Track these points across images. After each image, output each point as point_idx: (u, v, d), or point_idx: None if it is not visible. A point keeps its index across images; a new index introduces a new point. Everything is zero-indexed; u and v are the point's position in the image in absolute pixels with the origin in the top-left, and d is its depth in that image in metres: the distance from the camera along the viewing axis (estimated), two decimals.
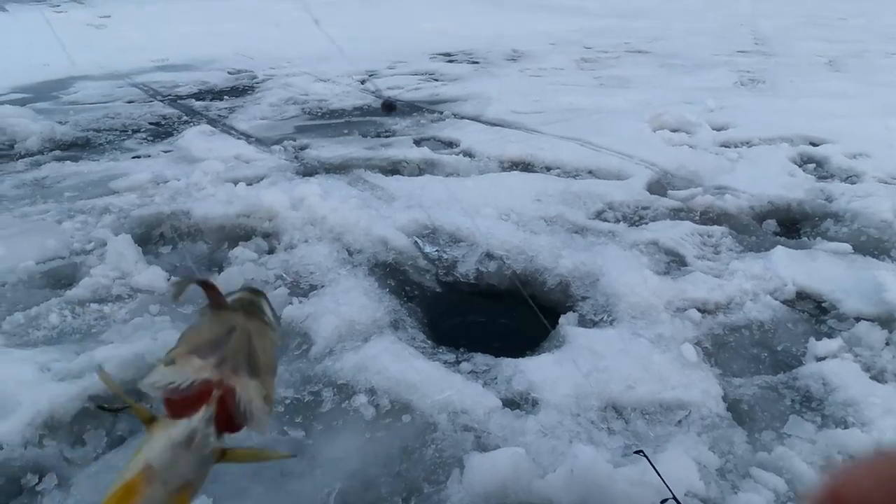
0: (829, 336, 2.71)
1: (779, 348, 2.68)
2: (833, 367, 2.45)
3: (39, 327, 2.82)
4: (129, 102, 7.19)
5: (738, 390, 2.40)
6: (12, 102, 6.75)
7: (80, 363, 2.46)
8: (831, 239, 3.59)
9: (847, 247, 3.42)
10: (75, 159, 5.10)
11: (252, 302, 0.55)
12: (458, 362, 2.55)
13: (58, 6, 14.48)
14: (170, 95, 7.52)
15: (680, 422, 2.24)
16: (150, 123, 6.31)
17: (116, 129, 6.09)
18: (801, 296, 3.05)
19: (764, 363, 2.59)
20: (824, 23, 13.28)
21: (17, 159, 5.15)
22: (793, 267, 3.19)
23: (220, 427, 0.49)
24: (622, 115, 5.96)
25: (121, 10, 13.38)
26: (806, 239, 3.69)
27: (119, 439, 2.23)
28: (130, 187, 4.34)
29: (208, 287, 0.52)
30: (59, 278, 3.26)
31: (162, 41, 10.69)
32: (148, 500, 0.45)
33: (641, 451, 1.89)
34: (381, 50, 10.05)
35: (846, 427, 2.17)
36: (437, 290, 3.20)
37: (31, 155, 5.27)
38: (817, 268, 3.22)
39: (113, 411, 2.37)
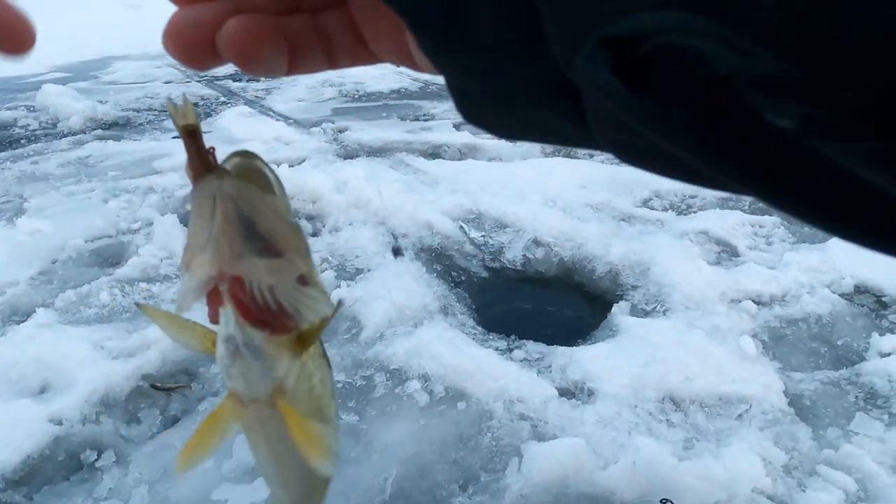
0: (892, 331, 2.63)
1: (839, 343, 2.60)
2: None
3: (91, 305, 2.84)
4: (167, 83, 7.23)
5: (799, 385, 2.34)
6: (54, 81, 6.82)
7: (133, 342, 2.48)
8: None
9: None
10: (117, 138, 5.14)
11: (237, 164, 0.40)
12: (510, 349, 2.52)
13: None
14: (207, 76, 7.54)
15: (741, 416, 2.18)
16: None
17: (156, 109, 6.13)
18: (860, 289, 2.96)
19: (824, 358, 2.52)
20: None
21: (61, 138, 5.21)
22: (850, 259, 3.09)
23: (257, 322, 0.39)
24: None
25: None
26: None
27: (173, 419, 2.24)
28: (173, 167, 4.36)
29: (189, 135, 0.38)
30: (108, 257, 3.28)
31: None
32: (240, 418, 0.42)
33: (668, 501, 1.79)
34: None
35: None
36: (485, 275, 3.16)
37: (74, 134, 5.32)
38: (875, 261, 3.11)
39: (165, 390, 2.39)
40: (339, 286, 2.89)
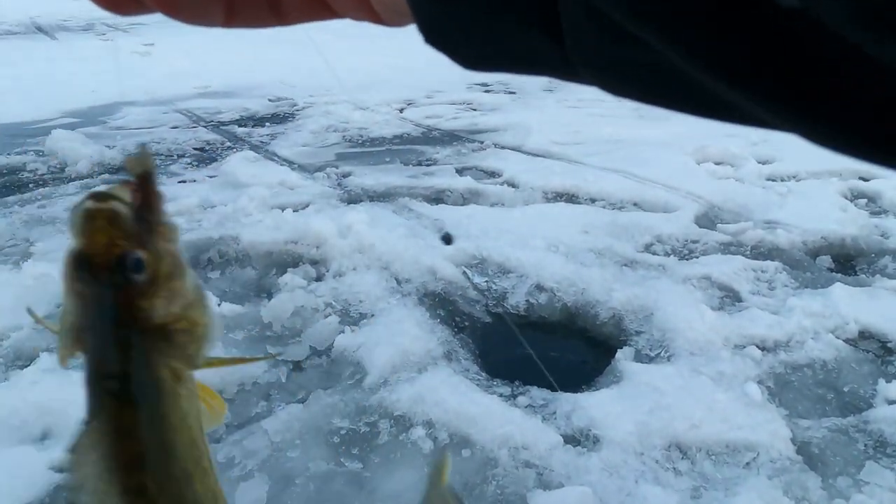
0: None
1: (845, 389, 2.59)
2: None
3: None
4: (174, 128, 7.34)
5: (806, 432, 2.32)
6: (62, 127, 6.92)
7: None
8: (891, 276, 3.49)
9: None
10: (124, 183, 5.19)
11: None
12: (514, 396, 2.50)
13: (104, 34, 14.94)
14: (213, 121, 7.66)
15: (748, 464, 2.16)
16: (195, 149, 6.42)
17: (162, 154, 6.21)
18: (864, 335, 2.95)
19: (831, 405, 2.50)
20: None
21: (69, 182, 5.27)
22: (853, 305, 3.10)
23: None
24: (664, 147, 5.92)
25: (164, 38, 13.75)
26: (864, 276, 3.59)
27: None
28: (178, 212, 4.40)
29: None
30: None
31: (204, 68, 10.95)
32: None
33: None
34: (418, 79, 10.17)
35: None
36: (488, 320, 3.16)
37: (82, 178, 5.38)
38: (879, 306, 3.12)
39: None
40: (342, 332, 2.89)
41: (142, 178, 0.42)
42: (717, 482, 2.08)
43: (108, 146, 6.27)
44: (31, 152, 6.17)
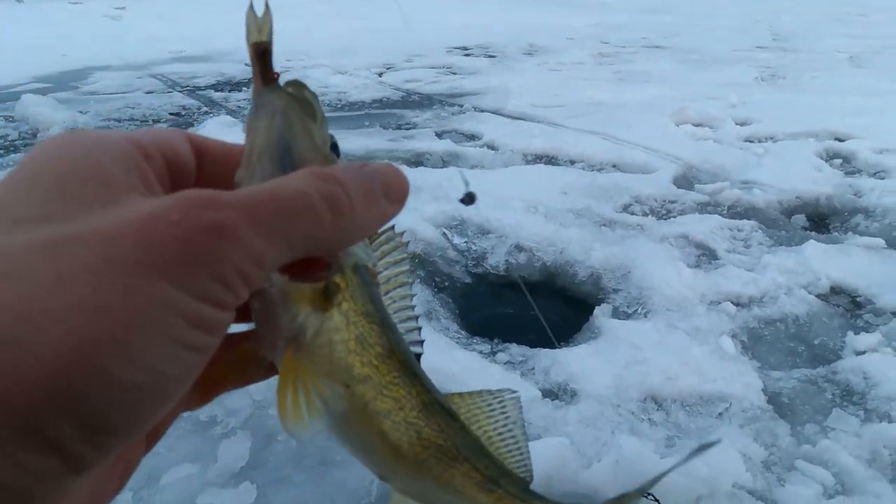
0: (867, 331, 2.69)
1: (816, 342, 2.66)
2: (873, 361, 2.43)
3: None
4: (149, 93, 7.20)
5: (777, 383, 2.38)
6: (34, 92, 6.77)
7: None
8: (863, 234, 3.56)
9: (880, 241, 3.39)
10: None
11: (292, 88, 0.41)
12: (493, 353, 2.54)
13: None
14: (188, 86, 7.53)
15: (721, 414, 2.22)
16: (171, 114, 6.32)
17: (137, 119, 6.11)
18: (836, 290, 3.02)
19: (802, 357, 2.57)
20: (846, 18, 13.16)
21: None
22: (825, 261, 3.16)
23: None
24: (644, 110, 5.92)
25: (136, 1, 13.41)
26: (836, 234, 3.66)
27: None
28: None
29: (259, 54, 0.40)
30: None
31: (179, 32, 10.71)
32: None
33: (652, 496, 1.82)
34: (397, 43, 10.03)
35: (891, 421, 2.15)
36: (468, 281, 3.19)
37: None
38: (851, 262, 3.19)
39: None
40: None
41: (258, 50, 0.40)
42: (691, 431, 2.13)
43: (81, 111, 6.16)
44: (1, 118, 6.04)
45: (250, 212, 0.31)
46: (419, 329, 0.48)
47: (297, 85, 0.41)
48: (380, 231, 0.49)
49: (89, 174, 0.32)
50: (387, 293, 0.48)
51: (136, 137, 0.37)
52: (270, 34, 0.39)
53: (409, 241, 0.52)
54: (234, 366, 0.42)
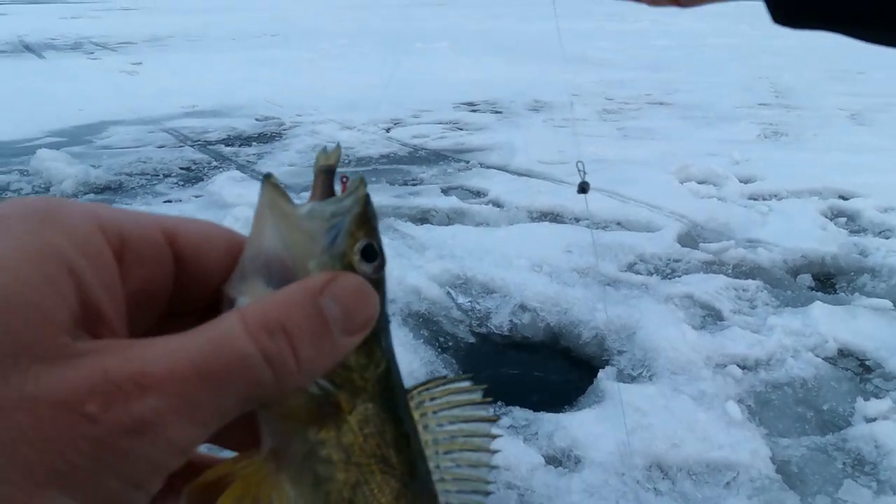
0: (877, 396, 2.65)
1: (824, 407, 2.62)
2: (885, 428, 2.39)
3: None
4: (160, 147, 7.33)
5: (786, 451, 2.34)
6: (47, 146, 6.91)
7: None
8: (869, 295, 3.54)
9: (887, 303, 3.37)
10: (109, 202, 5.17)
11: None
12: (496, 416, 2.51)
13: (92, 53, 14.94)
14: (199, 141, 7.67)
15: (728, 483, 2.18)
16: (181, 168, 6.42)
17: (148, 174, 6.20)
18: (843, 353, 2.99)
19: (810, 423, 2.53)
20: (845, 77, 13.38)
21: None
22: (833, 323, 3.14)
23: None
24: (647, 167, 5.98)
25: (153, 57, 13.79)
26: (843, 294, 3.64)
27: None
28: None
29: (324, 173, 0.38)
30: None
31: (192, 88, 10.97)
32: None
33: None
34: (404, 98, 10.24)
35: None
36: (471, 341, 3.17)
37: (66, 197, 5.37)
38: (858, 324, 3.16)
39: None
40: None
41: (324, 170, 0.39)
42: (697, 502, 2.09)
43: (94, 165, 6.26)
44: (16, 171, 6.15)
45: (182, 393, 0.27)
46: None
47: (361, 187, 0.38)
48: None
49: (15, 298, 0.26)
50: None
51: (101, 219, 0.33)
52: (337, 161, 0.39)
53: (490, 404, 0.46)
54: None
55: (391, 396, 0.40)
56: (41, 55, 14.61)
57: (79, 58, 14.43)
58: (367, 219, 0.38)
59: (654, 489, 2.14)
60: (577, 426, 2.38)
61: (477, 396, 0.45)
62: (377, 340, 0.38)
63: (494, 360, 3.07)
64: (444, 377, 0.44)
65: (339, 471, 0.36)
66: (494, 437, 0.45)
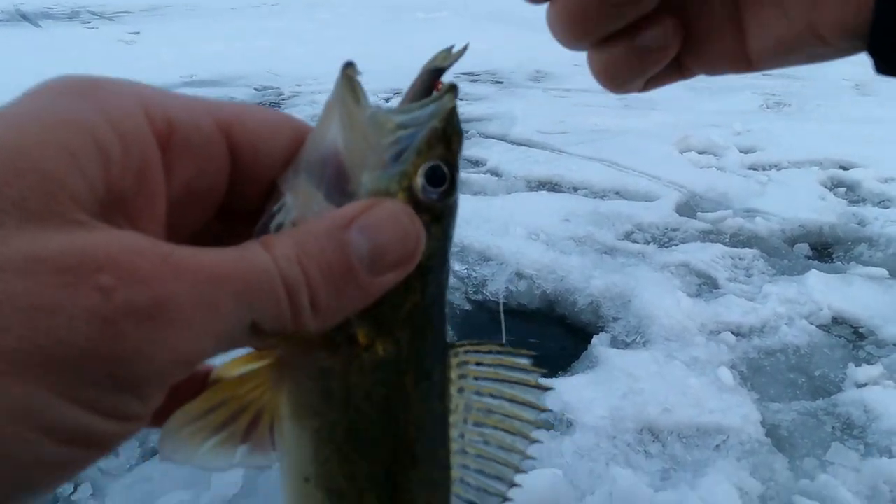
0: (869, 362, 2.66)
1: (816, 374, 2.63)
2: (874, 394, 2.41)
3: None
4: None
5: (776, 416, 2.36)
6: None
7: None
8: (866, 263, 3.54)
9: (883, 272, 3.37)
10: None
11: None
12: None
13: (89, 23, 14.79)
14: None
15: (718, 446, 2.20)
16: None
17: None
18: (837, 321, 3.00)
19: (802, 388, 2.55)
20: None
21: None
22: (827, 291, 3.14)
23: None
24: (648, 137, 5.94)
25: (150, 27, 13.66)
26: (839, 263, 3.64)
27: (152, 451, 2.24)
28: None
29: (431, 73, 0.34)
30: None
31: (190, 57, 10.87)
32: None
33: None
34: (405, 68, 10.14)
35: (891, 456, 2.12)
36: (467, 308, 3.19)
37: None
38: (853, 293, 3.17)
39: None
40: None
41: (432, 70, 0.35)
42: (687, 464, 2.11)
43: None
44: None
45: (205, 290, 0.24)
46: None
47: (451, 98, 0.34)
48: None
49: (21, 158, 0.22)
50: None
51: (147, 100, 0.28)
52: (451, 66, 0.36)
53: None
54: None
55: (421, 345, 0.35)
56: (37, 24, 14.46)
57: (76, 27, 14.29)
58: (444, 136, 0.33)
59: (645, 451, 2.16)
60: (570, 391, 2.40)
61: (532, 378, 0.41)
62: (422, 278, 0.33)
63: (490, 328, 3.09)
64: (502, 344, 0.40)
65: (333, 410, 0.32)
66: (539, 425, 0.41)
